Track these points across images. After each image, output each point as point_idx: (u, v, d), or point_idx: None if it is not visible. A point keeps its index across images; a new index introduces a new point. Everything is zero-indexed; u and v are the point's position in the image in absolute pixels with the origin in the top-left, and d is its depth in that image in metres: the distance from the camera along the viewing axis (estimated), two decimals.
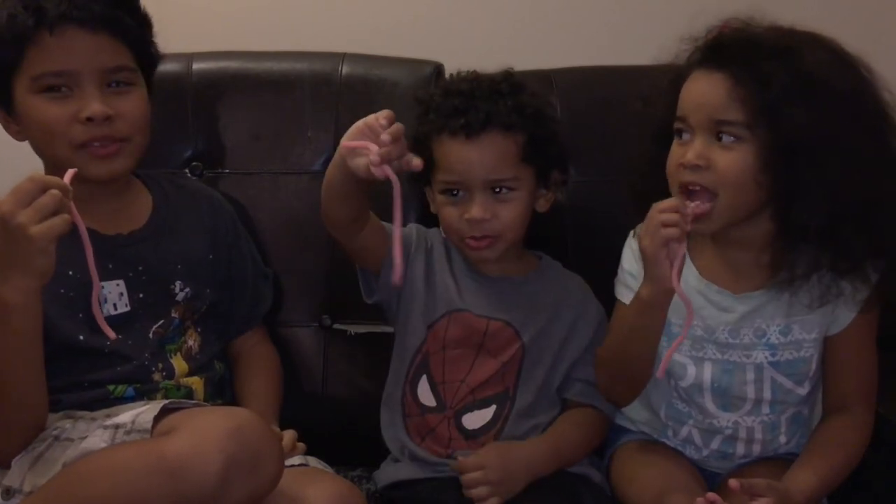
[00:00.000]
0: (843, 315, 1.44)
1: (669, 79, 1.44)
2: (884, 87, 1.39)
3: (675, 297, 1.36)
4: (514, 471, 1.43)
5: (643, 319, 1.39)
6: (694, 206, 1.35)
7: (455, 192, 1.49)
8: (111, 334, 1.35)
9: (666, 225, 1.31)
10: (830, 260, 1.38)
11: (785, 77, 1.33)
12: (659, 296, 1.35)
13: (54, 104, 1.41)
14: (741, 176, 1.35)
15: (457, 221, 1.49)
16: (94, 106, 1.40)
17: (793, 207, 1.36)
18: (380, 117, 1.31)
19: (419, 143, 1.50)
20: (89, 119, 1.40)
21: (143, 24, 1.49)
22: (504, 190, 1.48)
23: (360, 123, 1.34)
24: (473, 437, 1.51)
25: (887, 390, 1.52)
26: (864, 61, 1.39)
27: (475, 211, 1.47)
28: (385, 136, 1.29)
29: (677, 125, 1.41)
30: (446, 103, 1.49)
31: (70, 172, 1.29)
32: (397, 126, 1.31)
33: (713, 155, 1.36)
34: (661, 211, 1.32)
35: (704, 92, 1.38)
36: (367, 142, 1.31)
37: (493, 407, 1.52)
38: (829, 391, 1.49)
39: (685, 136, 1.40)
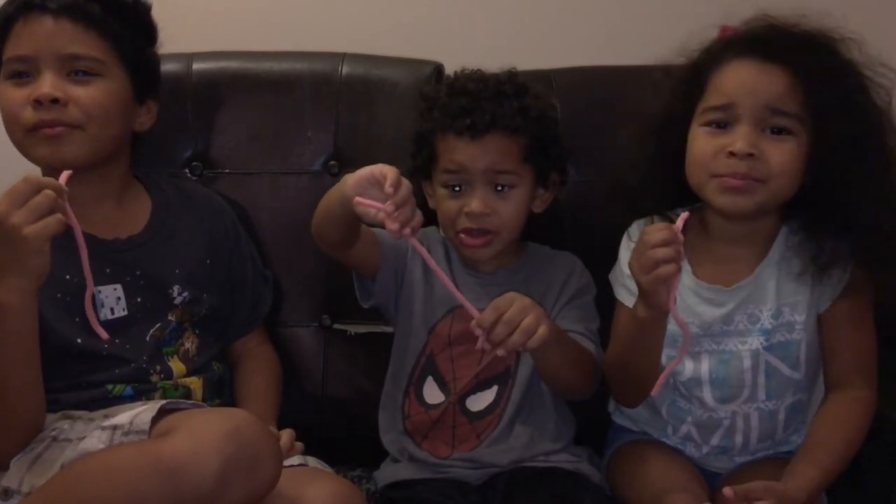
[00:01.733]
0: (831, 290, 1.44)
1: (690, 71, 1.44)
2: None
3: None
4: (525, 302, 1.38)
5: (643, 336, 1.39)
6: (681, 220, 1.32)
7: (456, 187, 1.50)
8: (104, 335, 1.35)
9: (661, 262, 1.29)
10: (860, 249, 1.40)
11: (854, 72, 1.36)
12: (657, 317, 1.36)
13: (14, 88, 1.43)
14: (791, 167, 1.37)
15: (455, 214, 1.50)
16: (43, 88, 1.41)
17: (848, 201, 1.38)
18: (388, 181, 1.31)
19: (422, 138, 1.53)
20: (37, 101, 1.40)
21: (127, 23, 1.48)
22: (505, 187, 1.49)
23: (367, 173, 1.33)
24: (478, 419, 1.52)
25: (887, 390, 1.52)
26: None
27: (475, 204, 1.48)
28: (389, 207, 1.29)
29: (716, 115, 1.40)
30: (452, 102, 1.50)
31: (65, 174, 1.29)
32: (404, 192, 1.31)
33: (763, 145, 1.36)
34: (655, 246, 1.30)
35: (759, 80, 1.37)
36: (379, 205, 1.31)
37: (496, 387, 1.54)
38: (827, 368, 1.49)
39: (726, 126, 1.39)
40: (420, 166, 1.55)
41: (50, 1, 1.42)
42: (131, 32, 1.49)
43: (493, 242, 1.51)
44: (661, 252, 1.29)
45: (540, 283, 1.56)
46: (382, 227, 1.32)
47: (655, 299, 1.32)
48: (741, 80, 1.39)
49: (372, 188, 1.33)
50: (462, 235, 1.51)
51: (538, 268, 1.58)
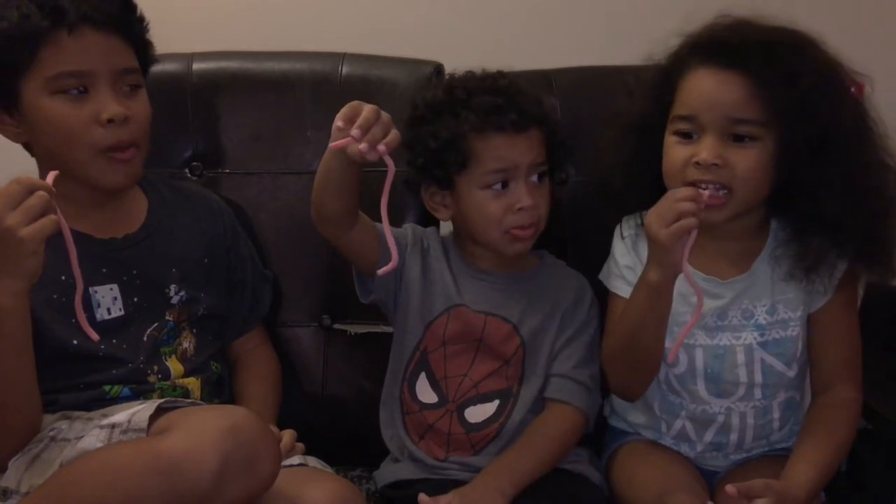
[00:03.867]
0: (824, 289, 1.45)
1: (660, 75, 1.46)
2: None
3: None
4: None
5: (652, 303, 1.40)
6: (709, 195, 1.36)
7: (499, 185, 1.49)
8: (94, 336, 1.34)
9: (684, 214, 1.32)
10: (841, 246, 1.41)
11: (811, 73, 1.36)
12: (669, 279, 1.37)
13: (71, 106, 1.40)
14: (758, 173, 1.38)
15: (502, 213, 1.49)
16: (114, 107, 1.40)
17: (818, 199, 1.39)
18: (336, 120, 1.34)
19: (450, 144, 1.49)
20: (110, 121, 1.40)
21: (145, 26, 1.50)
22: (541, 176, 1.51)
23: (338, 118, 1.36)
24: (476, 430, 1.52)
25: (887, 390, 1.53)
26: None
27: (525, 200, 1.48)
28: (355, 132, 1.32)
29: (681, 126, 1.42)
30: (485, 101, 1.48)
31: (52, 174, 1.29)
32: (365, 115, 1.33)
33: (728, 153, 1.38)
34: (679, 200, 1.33)
35: (717, 91, 1.39)
36: (348, 138, 1.33)
37: (497, 402, 1.53)
38: (814, 370, 1.50)
39: (693, 136, 1.41)
40: (442, 177, 1.51)
41: (99, 13, 1.40)
42: (147, 37, 1.51)
43: (537, 233, 1.52)
44: (686, 205, 1.32)
45: (545, 301, 1.55)
46: (368, 160, 1.33)
47: (671, 258, 1.34)
48: (701, 92, 1.41)
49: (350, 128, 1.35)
50: (516, 231, 1.50)
51: (546, 284, 1.57)
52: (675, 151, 1.43)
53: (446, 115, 1.50)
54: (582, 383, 1.52)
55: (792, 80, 1.36)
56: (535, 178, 1.50)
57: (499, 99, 1.49)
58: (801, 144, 1.37)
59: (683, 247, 1.34)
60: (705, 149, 1.38)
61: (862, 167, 1.40)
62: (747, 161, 1.38)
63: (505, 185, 1.49)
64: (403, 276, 1.56)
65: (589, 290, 1.58)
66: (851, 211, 1.39)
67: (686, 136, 1.42)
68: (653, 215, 1.35)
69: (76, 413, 1.37)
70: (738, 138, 1.38)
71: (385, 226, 1.37)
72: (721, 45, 1.41)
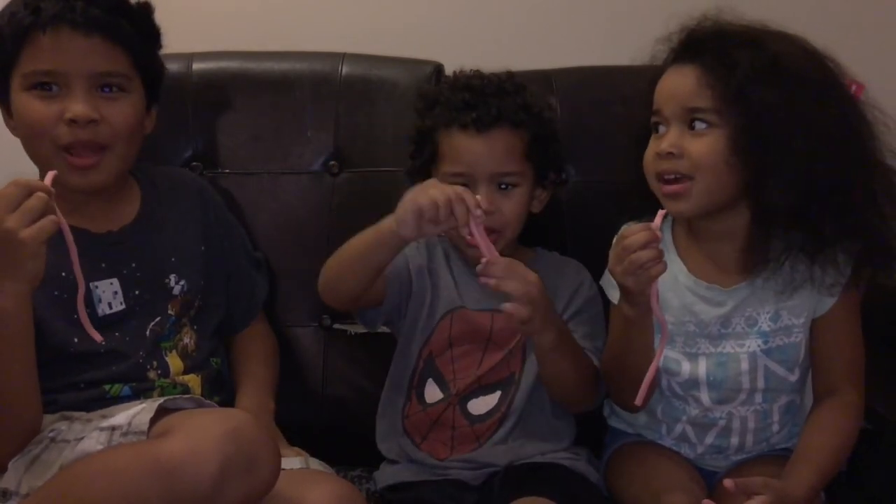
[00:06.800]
0: (828, 297, 1.45)
1: (649, 80, 1.48)
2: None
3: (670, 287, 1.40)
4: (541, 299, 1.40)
5: (634, 332, 1.40)
6: (660, 216, 1.34)
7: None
8: (97, 338, 1.35)
9: (648, 263, 1.30)
10: (800, 242, 1.40)
11: (751, 61, 1.37)
12: (643, 314, 1.37)
13: (41, 102, 1.41)
14: (712, 160, 1.38)
15: None
16: (78, 107, 1.39)
17: (762, 189, 1.39)
18: (472, 203, 1.34)
19: (424, 136, 1.53)
20: (73, 121, 1.39)
21: (145, 33, 1.49)
22: (508, 185, 1.50)
23: (414, 211, 1.33)
24: (479, 422, 1.52)
25: (887, 390, 1.52)
26: (832, 57, 1.43)
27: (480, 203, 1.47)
28: (478, 213, 1.33)
29: (653, 119, 1.45)
30: (456, 98, 1.51)
31: (50, 175, 1.29)
32: (461, 210, 1.34)
33: (685, 142, 1.40)
34: (637, 249, 1.30)
35: (676, 83, 1.42)
36: (483, 245, 1.35)
37: (499, 392, 1.53)
38: (817, 374, 1.50)
39: (661, 130, 1.43)
40: (419, 167, 1.55)
41: (79, 15, 1.40)
42: (148, 42, 1.49)
43: (497, 241, 1.50)
44: (646, 255, 1.30)
45: (546, 285, 1.55)
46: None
47: (642, 298, 1.34)
48: (663, 87, 1.44)
49: (425, 223, 1.34)
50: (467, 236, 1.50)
51: (546, 275, 1.56)
52: (649, 147, 1.45)
53: (425, 109, 1.54)
54: (590, 351, 1.52)
55: (733, 66, 1.37)
56: (499, 185, 1.49)
57: (467, 95, 1.50)
58: (747, 130, 1.37)
59: (652, 288, 1.32)
60: (665, 139, 1.41)
61: (813, 161, 1.37)
62: (700, 148, 1.38)
63: (464, 186, 1.47)
64: (412, 288, 1.56)
65: (586, 272, 1.59)
66: (798, 202, 1.38)
67: (657, 130, 1.44)
68: (613, 262, 1.34)
69: (76, 413, 1.37)
70: (696, 128, 1.40)
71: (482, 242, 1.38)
72: (688, 43, 1.44)
